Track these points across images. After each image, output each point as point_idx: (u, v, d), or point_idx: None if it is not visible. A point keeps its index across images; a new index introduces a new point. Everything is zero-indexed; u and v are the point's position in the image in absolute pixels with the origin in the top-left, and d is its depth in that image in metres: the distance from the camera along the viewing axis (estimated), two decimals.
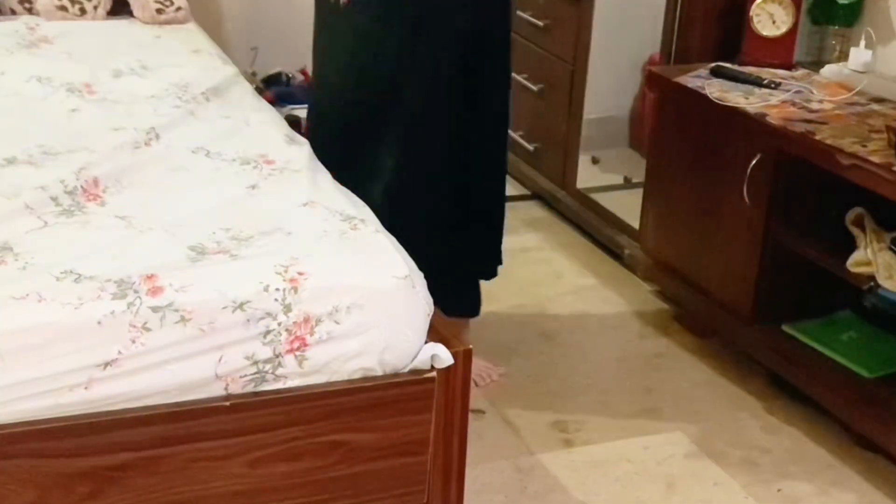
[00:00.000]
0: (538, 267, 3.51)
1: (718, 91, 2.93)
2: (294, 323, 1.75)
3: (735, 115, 2.82)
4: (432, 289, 1.94)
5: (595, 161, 4.00)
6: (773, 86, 2.95)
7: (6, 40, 2.91)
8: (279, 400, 1.77)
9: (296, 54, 3.90)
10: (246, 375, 1.75)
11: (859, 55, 2.99)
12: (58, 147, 2.20)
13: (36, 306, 1.65)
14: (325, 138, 2.59)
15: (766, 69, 3.09)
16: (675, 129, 3.08)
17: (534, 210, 3.93)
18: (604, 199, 3.69)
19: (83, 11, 3.19)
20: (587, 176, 3.83)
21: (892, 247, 2.53)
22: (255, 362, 1.74)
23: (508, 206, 3.91)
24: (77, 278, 1.71)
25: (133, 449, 1.70)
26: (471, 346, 1.89)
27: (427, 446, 1.89)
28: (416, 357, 1.85)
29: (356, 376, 1.82)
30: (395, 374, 1.84)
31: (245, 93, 2.71)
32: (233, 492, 1.78)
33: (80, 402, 1.66)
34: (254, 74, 3.69)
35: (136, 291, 1.69)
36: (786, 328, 2.84)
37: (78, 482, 1.68)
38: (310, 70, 3.84)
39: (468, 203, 2.72)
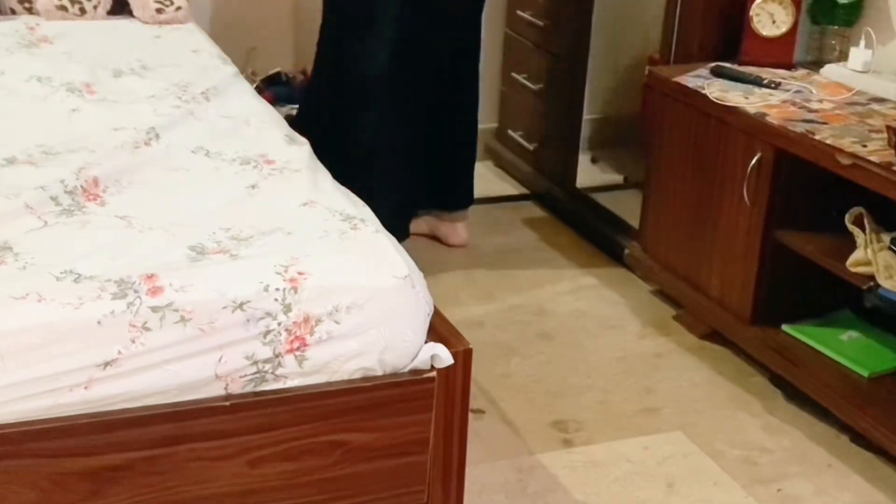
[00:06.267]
0: (538, 267, 3.51)
1: (718, 91, 2.93)
2: (294, 323, 1.75)
3: (735, 114, 2.82)
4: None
5: (595, 161, 4.00)
6: (773, 86, 2.95)
7: (6, 40, 2.91)
8: (279, 400, 1.77)
9: (296, 54, 3.90)
10: (246, 375, 1.75)
11: (859, 55, 3.00)
12: (58, 147, 2.20)
13: (36, 306, 1.65)
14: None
15: (766, 69, 3.09)
16: (675, 129, 3.08)
17: (533, 210, 3.93)
18: (604, 199, 3.69)
19: (83, 11, 3.19)
20: (587, 176, 3.83)
21: (892, 247, 2.53)
22: (255, 362, 1.74)
23: (508, 205, 3.96)
24: (77, 278, 1.71)
25: (133, 449, 1.70)
26: (471, 346, 1.89)
27: (427, 446, 1.89)
28: (416, 357, 1.85)
29: (356, 376, 1.82)
30: (395, 374, 1.84)
31: (245, 93, 2.71)
32: (233, 492, 1.78)
33: (80, 402, 1.66)
34: (254, 74, 3.69)
35: (136, 291, 1.69)
36: (786, 328, 2.84)
37: (78, 482, 1.68)
38: (309, 70, 3.85)
39: None
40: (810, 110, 2.80)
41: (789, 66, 3.13)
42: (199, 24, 3.29)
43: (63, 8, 3.17)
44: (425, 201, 3.54)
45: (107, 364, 1.66)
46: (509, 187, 4.09)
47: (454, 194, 3.59)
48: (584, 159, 3.83)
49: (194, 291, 1.71)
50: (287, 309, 1.75)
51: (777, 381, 2.86)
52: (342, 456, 1.83)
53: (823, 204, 2.76)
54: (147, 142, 2.28)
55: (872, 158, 2.47)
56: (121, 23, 3.21)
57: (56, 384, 1.64)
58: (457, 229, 3.59)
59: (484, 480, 2.45)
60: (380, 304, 1.80)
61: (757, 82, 2.99)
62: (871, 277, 2.53)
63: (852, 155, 2.50)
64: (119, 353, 1.66)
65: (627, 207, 3.49)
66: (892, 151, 2.47)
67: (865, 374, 2.67)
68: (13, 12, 3.18)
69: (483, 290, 3.33)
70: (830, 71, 3.07)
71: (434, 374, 1.86)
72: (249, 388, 1.76)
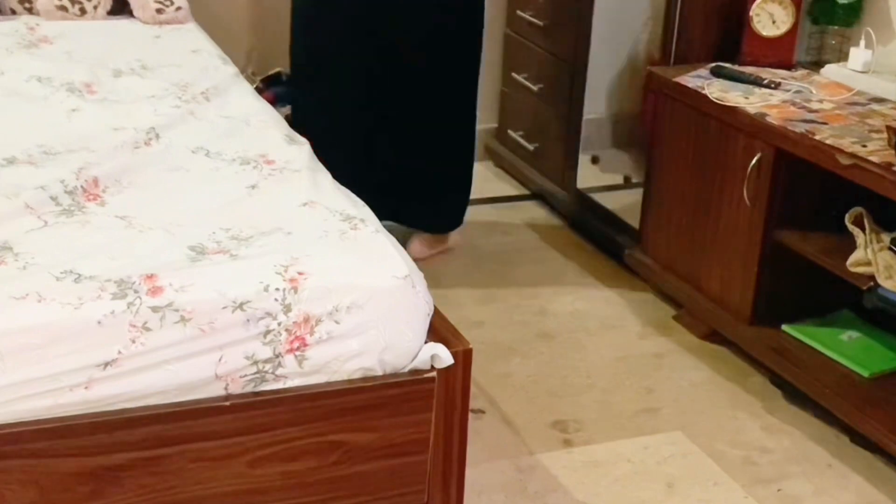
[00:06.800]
0: (538, 267, 3.51)
1: (718, 91, 2.93)
2: (294, 323, 1.75)
3: (735, 114, 2.82)
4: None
5: (595, 161, 3.99)
6: (773, 86, 2.95)
7: (6, 40, 2.92)
8: (279, 400, 1.77)
9: None
10: (246, 375, 1.75)
11: (859, 55, 3.00)
12: (58, 147, 2.20)
13: (36, 306, 1.65)
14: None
15: (766, 69, 3.09)
16: (675, 129, 3.08)
17: (534, 210, 3.93)
18: (604, 199, 3.69)
19: (83, 11, 3.19)
20: (587, 176, 3.82)
21: (892, 247, 2.53)
22: (255, 362, 1.74)
23: (509, 206, 3.96)
24: (77, 278, 1.71)
25: (133, 449, 1.70)
26: (471, 346, 1.89)
27: (427, 446, 1.89)
28: (416, 357, 1.85)
29: (356, 376, 1.82)
30: (395, 374, 1.84)
31: (245, 93, 2.72)
32: (233, 492, 1.78)
33: (80, 402, 1.66)
34: (254, 74, 3.68)
35: (136, 291, 1.69)
36: (786, 328, 2.84)
37: (78, 482, 1.68)
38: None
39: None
40: (810, 110, 2.80)
41: (789, 66, 3.13)
42: (199, 24, 3.29)
43: (63, 8, 3.17)
44: (411, 222, 3.45)
45: (107, 364, 1.66)
46: (509, 187, 4.09)
47: (440, 219, 3.49)
48: (584, 159, 3.83)
49: (194, 291, 1.71)
50: (287, 309, 1.75)
51: (777, 381, 2.86)
52: (342, 456, 1.83)
53: (823, 204, 2.76)
54: (147, 142, 2.28)
55: (872, 158, 2.47)
56: (121, 23, 3.22)
57: (56, 384, 1.64)
58: (449, 235, 3.54)
59: (484, 480, 2.45)
60: (380, 304, 1.80)
61: (757, 82, 2.99)
62: (871, 277, 2.53)
63: (852, 155, 2.50)
64: (119, 353, 1.66)
65: (627, 207, 3.48)
66: (892, 151, 2.47)
67: (865, 374, 2.67)
68: (13, 12, 3.19)
69: (483, 290, 3.33)
70: (830, 71, 3.07)
71: (434, 374, 1.85)
72: (249, 388, 1.76)
